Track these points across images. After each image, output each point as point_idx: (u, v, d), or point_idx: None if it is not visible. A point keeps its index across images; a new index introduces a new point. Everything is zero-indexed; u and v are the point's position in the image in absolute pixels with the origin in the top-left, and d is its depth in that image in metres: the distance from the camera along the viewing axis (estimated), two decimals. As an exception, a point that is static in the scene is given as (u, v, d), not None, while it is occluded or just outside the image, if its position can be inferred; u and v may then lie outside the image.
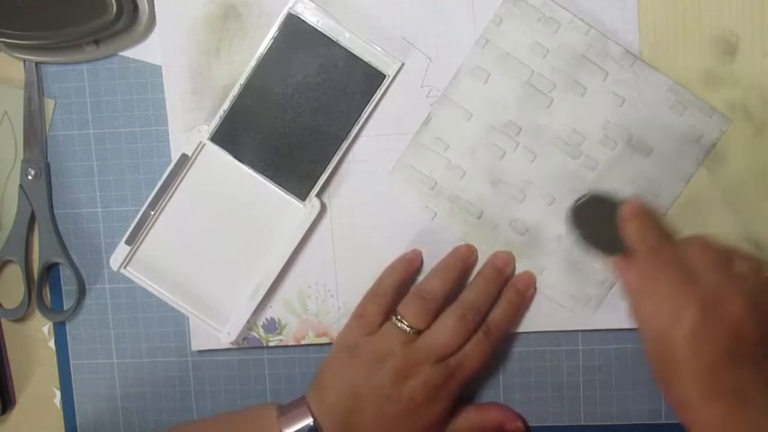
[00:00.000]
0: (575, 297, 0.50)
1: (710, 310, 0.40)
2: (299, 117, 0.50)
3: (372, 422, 0.46)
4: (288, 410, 0.48)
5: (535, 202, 0.50)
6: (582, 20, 0.48)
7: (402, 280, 0.50)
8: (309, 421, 0.47)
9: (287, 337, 0.53)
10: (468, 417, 0.50)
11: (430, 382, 0.46)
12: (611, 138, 0.49)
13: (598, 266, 0.50)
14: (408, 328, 0.47)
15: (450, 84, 0.50)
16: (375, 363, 0.47)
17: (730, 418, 0.39)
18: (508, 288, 0.49)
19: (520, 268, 0.50)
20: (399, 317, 0.47)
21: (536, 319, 0.51)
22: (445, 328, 0.47)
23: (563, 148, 0.49)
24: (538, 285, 0.50)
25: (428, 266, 0.50)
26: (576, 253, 0.50)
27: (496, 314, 0.49)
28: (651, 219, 0.46)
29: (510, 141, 0.49)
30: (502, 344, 0.51)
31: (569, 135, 0.49)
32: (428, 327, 0.47)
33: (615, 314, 0.50)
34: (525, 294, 0.50)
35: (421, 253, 0.51)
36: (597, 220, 0.48)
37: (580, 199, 0.49)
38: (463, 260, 0.50)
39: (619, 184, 0.49)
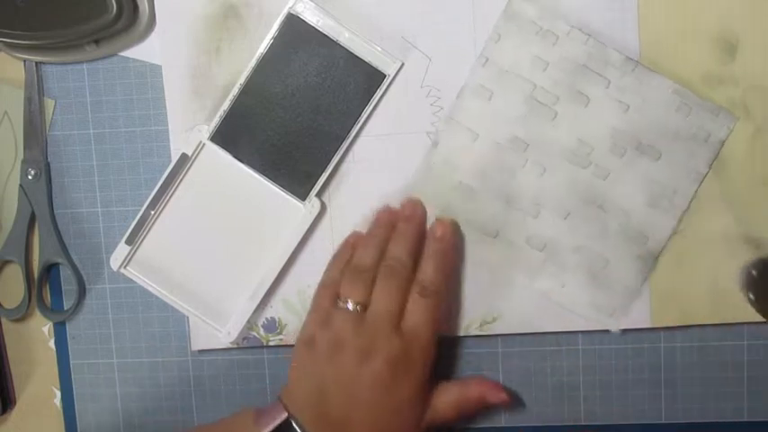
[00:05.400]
0: (599, 309, 0.49)
1: None
2: (299, 117, 0.50)
3: (346, 409, 0.46)
4: (264, 412, 0.48)
5: (550, 217, 0.49)
6: (580, 30, 0.48)
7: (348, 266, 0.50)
8: (284, 416, 0.47)
9: (287, 337, 0.53)
10: (448, 392, 0.49)
11: (391, 356, 0.46)
12: (619, 145, 0.48)
13: (620, 275, 0.49)
14: (353, 306, 0.47)
15: (454, 105, 0.49)
16: (333, 351, 0.46)
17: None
18: (428, 240, 0.49)
19: (543, 286, 0.50)
20: (343, 298, 0.47)
21: (537, 320, 0.50)
22: (380, 289, 0.47)
23: (572, 160, 0.49)
24: (559, 299, 0.50)
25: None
26: (596, 263, 0.49)
27: (424, 268, 0.48)
28: None
29: (518, 158, 0.49)
30: (445, 300, 0.49)
31: (577, 146, 0.49)
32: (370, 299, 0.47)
33: (615, 314, 0.50)
34: (445, 240, 0.49)
35: (363, 234, 0.51)
36: None
37: (755, 266, 0.47)
38: (385, 227, 0.50)
39: (631, 191, 0.49)
